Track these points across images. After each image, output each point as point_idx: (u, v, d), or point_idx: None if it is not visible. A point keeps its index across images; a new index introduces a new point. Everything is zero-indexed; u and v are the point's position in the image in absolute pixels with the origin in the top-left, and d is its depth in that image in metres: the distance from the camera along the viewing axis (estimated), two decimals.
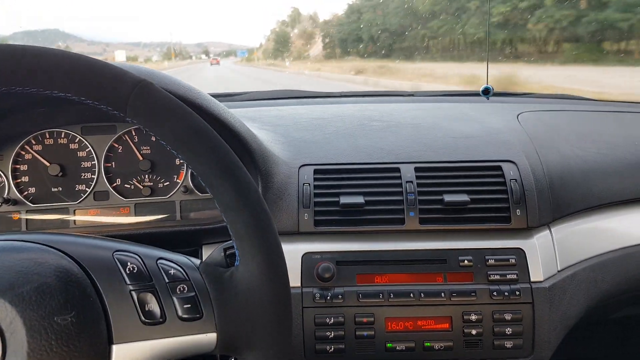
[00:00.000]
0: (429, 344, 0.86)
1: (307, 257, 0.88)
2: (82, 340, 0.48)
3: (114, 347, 0.50)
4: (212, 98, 0.88)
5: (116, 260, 0.54)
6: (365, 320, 0.86)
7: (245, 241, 0.52)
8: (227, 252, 0.65)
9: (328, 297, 0.86)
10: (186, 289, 0.54)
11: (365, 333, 0.86)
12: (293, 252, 0.88)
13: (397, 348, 0.86)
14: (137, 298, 0.52)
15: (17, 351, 0.45)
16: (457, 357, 0.87)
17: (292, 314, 0.55)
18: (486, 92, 1.32)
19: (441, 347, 0.86)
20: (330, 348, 0.86)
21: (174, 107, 0.52)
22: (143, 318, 0.51)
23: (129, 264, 0.53)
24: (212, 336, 0.53)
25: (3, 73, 0.48)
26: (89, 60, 0.50)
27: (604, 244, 0.99)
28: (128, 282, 0.52)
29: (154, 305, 0.52)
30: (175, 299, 0.53)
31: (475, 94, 1.44)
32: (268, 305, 0.52)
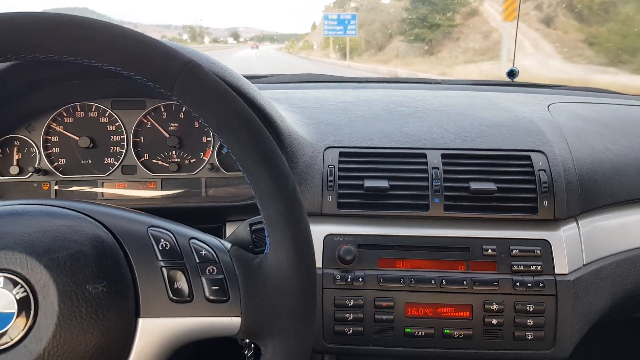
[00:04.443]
0: (448, 331, 0.86)
1: (329, 239, 0.88)
2: (110, 311, 0.49)
3: (140, 321, 0.51)
4: (243, 77, 0.89)
5: (150, 236, 0.54)
6: (384, 304, 0.86)
7: (277, 230, 0.52)
8: (253, 228, 0.66)
9: (349, 280, 0.86)
10: (215, 270, 0.54)
11: (384, 317, 0.86)
12: (315, 233, 0.88)
13: (416, 334, 0.86)
14: (167, 275, 0.53)
15: (48, 314, 0.47)
16: (477, 346, 0.86)
17: (316, 306, 0.55)
18: (511, 74, 1.30)
19: (460, 335, 0.86)
20: (349, 330, 0.86)
21: (220, 91, 0.52)
22: (171, 295, 0.52)
23: (162, 240, 0.54)
24: (236, 320, 0.53)
25: (60, 42, 0.48)
26: (142, 36, 0.51)
27: (632, 240, 0.97)
28: (160, 258, 0.53)
29: (182, 284, 0.53)
30: (204, 279, 0.53)
31: (503, 84, 1.42)
32: (294, 296, 0.52)
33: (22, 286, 0.47)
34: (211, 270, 0.54)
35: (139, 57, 0.50)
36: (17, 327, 0.46)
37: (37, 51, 0.48)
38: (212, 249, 0.56)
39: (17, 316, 0.46)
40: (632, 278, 0.94)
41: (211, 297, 0.53)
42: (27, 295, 0.47)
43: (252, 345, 0.82)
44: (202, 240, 0.57)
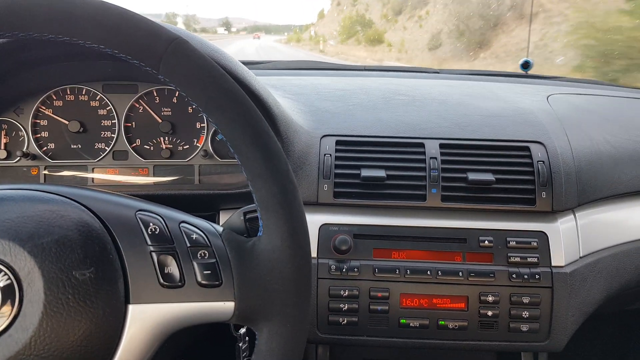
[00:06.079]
0: (443, 322, 0.85)
1: (324, 228, 0.87)
2: (99, 297, 0.47)
3: (130, 307, 0.50)
4: (238, 61, 0.86)
5: (138, 220, 0.53)
6: (379, 294, 0.85)
7: (270, 212, 0.51)
8: (247, 217, 0.64)
9: (344, 270, 0.85)
10: (207, 255, 0.52)
11: (379, 307, 0.85)
12: (311, 222, 0.85)
13: (411, 324, 0.85)
14: (157, 260, 0.51)
15: (33, 302, 0.45)
16: (472, 338, 0.86)
17: (311, 289, 0.54)
18: (525, 65, 1.32)
19: (456, 326, 0.85)
20: (344, 320, 0.85)
21: (208, 68, 0.50)
22: (162, 280, 0.51)
23: (151, 224, 0.53)
24: (229, 305, 0.52)
25: (38, 18, 0.46)
26: (125, 12, 0.49)
27: (629, 233, 0.96)
28: (149, 242, 0.52)
29: (173, 269, 0.51)
30: (195, 264, 0.52)
31: (503, 75, 1.41)
32: (289, 279, 0.51)
33: (5, 273, 0.45)
34: (203, 255, 0.52)
35: (122, 34, 0.48)
36: (1, 316, 0.44)
37: (16, 29, 0.46)
38: (204, 233, 0.54)
39: (2, 304, 0.44)
40: (628, 271, 0.94)
41: (203, 282, 0.52)
42: (11, 282, 0.45)
43: (247, 337, 0.81)
44: (193, 224, 0.55)
